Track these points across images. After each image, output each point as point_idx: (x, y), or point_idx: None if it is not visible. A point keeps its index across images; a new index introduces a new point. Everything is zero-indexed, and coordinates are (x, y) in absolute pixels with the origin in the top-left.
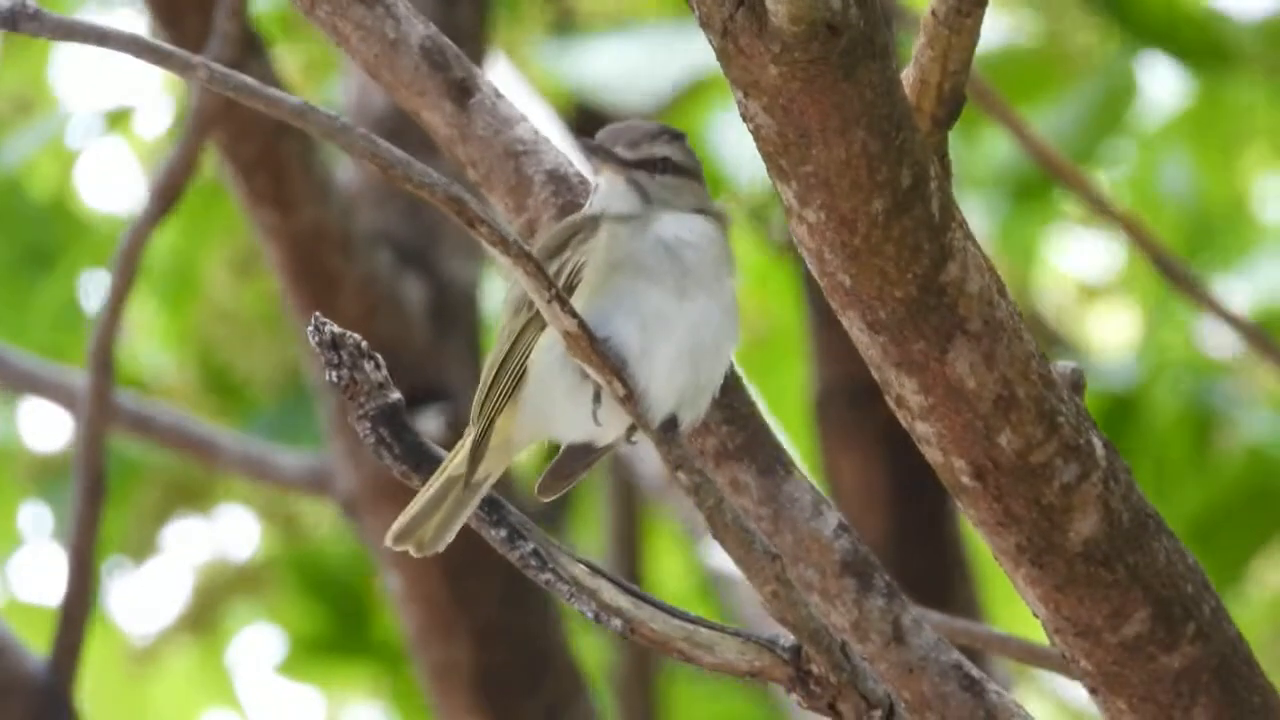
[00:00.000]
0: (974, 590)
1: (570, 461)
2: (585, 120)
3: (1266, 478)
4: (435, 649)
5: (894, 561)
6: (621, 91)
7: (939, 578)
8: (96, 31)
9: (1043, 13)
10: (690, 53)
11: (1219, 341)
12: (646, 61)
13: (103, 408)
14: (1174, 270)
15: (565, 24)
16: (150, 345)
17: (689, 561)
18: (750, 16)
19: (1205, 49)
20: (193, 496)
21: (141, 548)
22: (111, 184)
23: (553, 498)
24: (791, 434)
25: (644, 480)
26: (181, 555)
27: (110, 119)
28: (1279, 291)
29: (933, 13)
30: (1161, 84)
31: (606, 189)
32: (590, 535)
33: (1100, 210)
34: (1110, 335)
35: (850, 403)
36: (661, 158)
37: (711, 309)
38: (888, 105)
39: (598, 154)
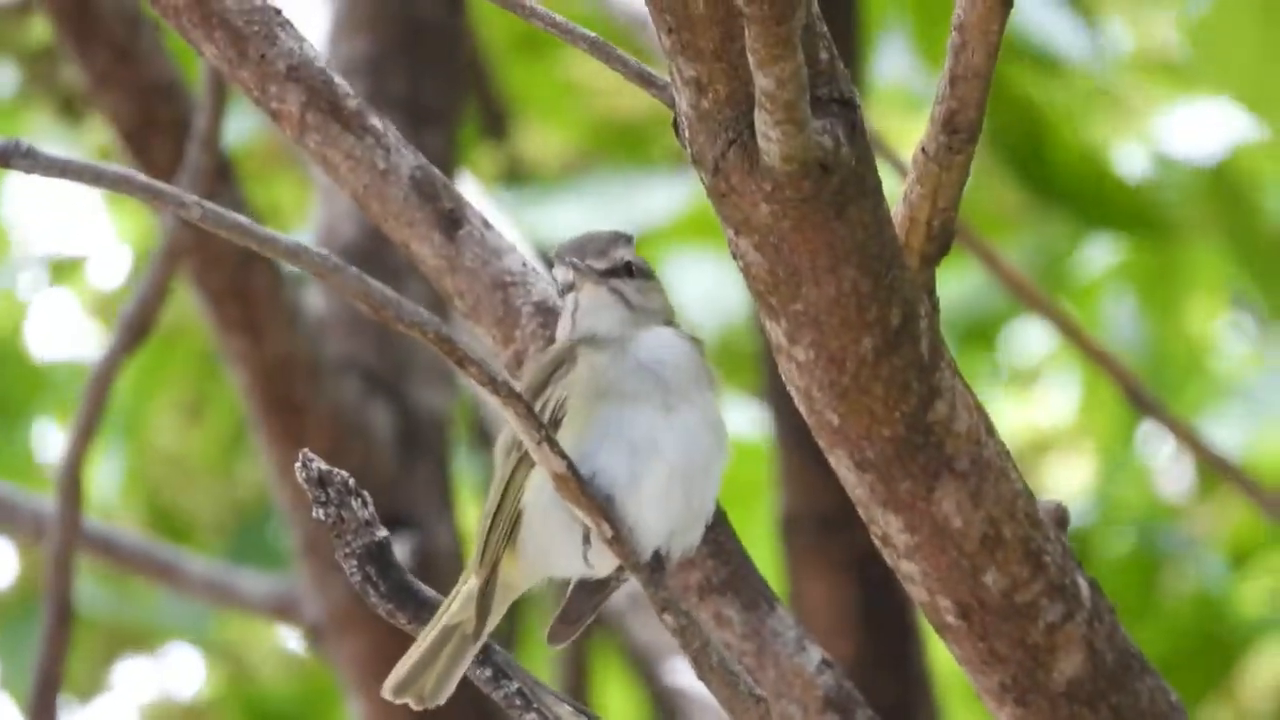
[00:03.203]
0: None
1: (579, 604)
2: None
3: (1214, 622)
4: None
5: (860, 688)
6: None
7: (905, 705)
8: (90, 170)
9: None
10: (643, 205)
11: (1173, 484)
12: (601, 215)
13: (71, 531)
14: (1145, 400)
15: (514, 172)
16: (98, 485)
17: (640, 681)
18: (742, 154)
19: (1138, 220)
20: (138, 639)
21: (89, 687)
22: (63, 332)
23: (563, 645)
24: (758, 559)
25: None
26: (128, 694)
27: (57, 269)
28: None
29: (923, 150)
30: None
31: (589, 304)
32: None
33: (1075, 340)
34: (1066, 482)
35: (817, 528)
36: (626, 262)
37: (698, 424)
38: (878, 244)
39: (576, 270)
